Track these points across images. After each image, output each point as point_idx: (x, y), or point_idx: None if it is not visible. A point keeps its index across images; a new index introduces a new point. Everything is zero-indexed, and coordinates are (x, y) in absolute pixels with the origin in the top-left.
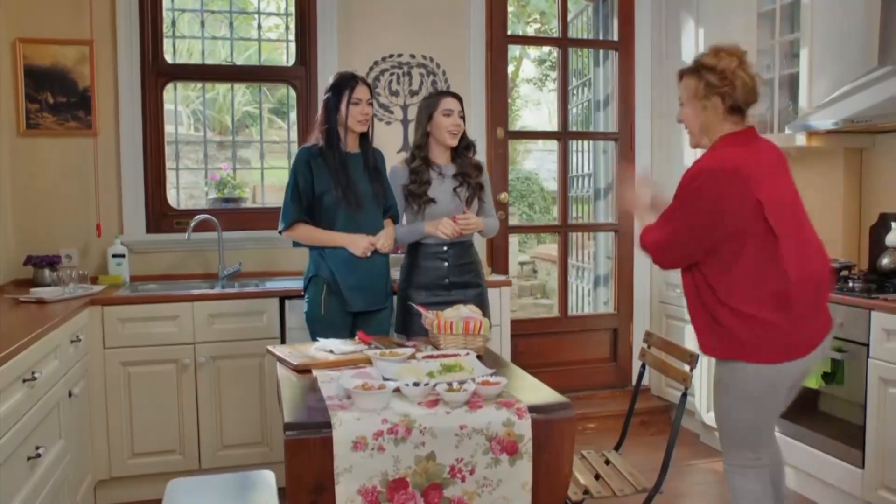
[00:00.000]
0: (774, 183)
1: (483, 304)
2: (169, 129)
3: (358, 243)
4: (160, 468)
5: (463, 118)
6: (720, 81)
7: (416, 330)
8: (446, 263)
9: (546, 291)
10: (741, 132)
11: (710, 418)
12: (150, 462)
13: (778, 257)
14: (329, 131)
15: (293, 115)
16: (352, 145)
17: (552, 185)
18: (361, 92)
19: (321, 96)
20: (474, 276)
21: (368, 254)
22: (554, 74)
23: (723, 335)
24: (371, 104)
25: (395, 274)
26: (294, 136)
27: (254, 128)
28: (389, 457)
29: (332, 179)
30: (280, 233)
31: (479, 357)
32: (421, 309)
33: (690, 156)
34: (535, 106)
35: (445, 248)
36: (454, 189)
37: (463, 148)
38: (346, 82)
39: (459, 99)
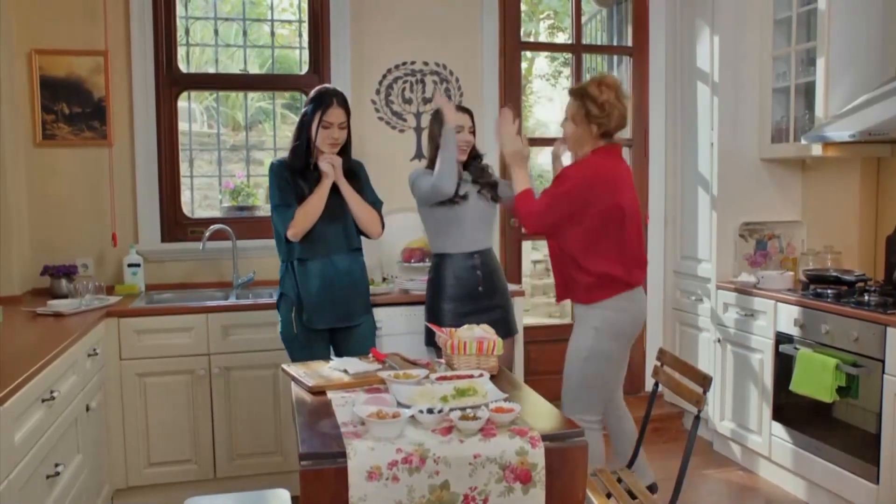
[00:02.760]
0: (632, 195)
1: (509, 313)
2: (183, 126)
3: (329, 173)
4: (176, 477)
5: (473, 132)
6: (599, 112)
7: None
8: (479, 272)
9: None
10: (610, 148)
11: (723, 427)
12: (165, 471)
13: (623, 240)
14: (297, 149)
15: None
16: None
17: None
18: (334, 115)
19: None
20: (501, 282)
21: (333, 166)
22: (567, 71)
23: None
24: (345, 128)
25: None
26: None
27: (267, 123)
28: (404, 486)
29: (296, 196)
30: (286, 238)
31: (492, 377)
32: (435, 328)
33: (706, 162)
34: (548, 102)
35: (475, 255)
36: (478, 192)
37: (476, 158)
38: (320, 101)
39: (470, 113)
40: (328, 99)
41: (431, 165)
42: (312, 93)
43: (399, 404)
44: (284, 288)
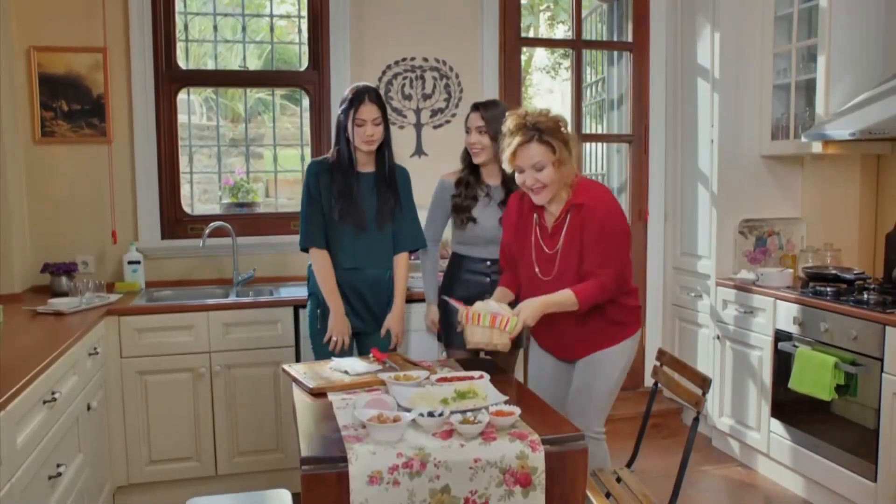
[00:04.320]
0: None
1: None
2: (182, 118)
3: (334, 327)
4: (177, 475)
5: (486, 133)
6: (570, 138)
7: (455, 341)
8: (488, 279)
9: None
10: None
11: (722, 423)
12: (167, 469)
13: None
14: (339, 151)
15: (305, 102)
16: (365, 162)
17: None
18: (367, 111)
19: (334, 101)
20: None
21: (337, 349)
22: (566, 63)
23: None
24: (379, 123)
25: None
26: (306, 128)
27: (266, 115)
28: (405, 490)
29: (333, 199)
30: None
31: (492, 377)
32: (456, 303)
33: (706, 159)
34: (548, 94)
35: (489, 262)
36: (499, 220)
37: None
38: (352, 100)
39: (481, 110)
40: (360, 96)
41: (463, 161)
42: (346, 92)
43: (399, 406)
44: (311, 287)
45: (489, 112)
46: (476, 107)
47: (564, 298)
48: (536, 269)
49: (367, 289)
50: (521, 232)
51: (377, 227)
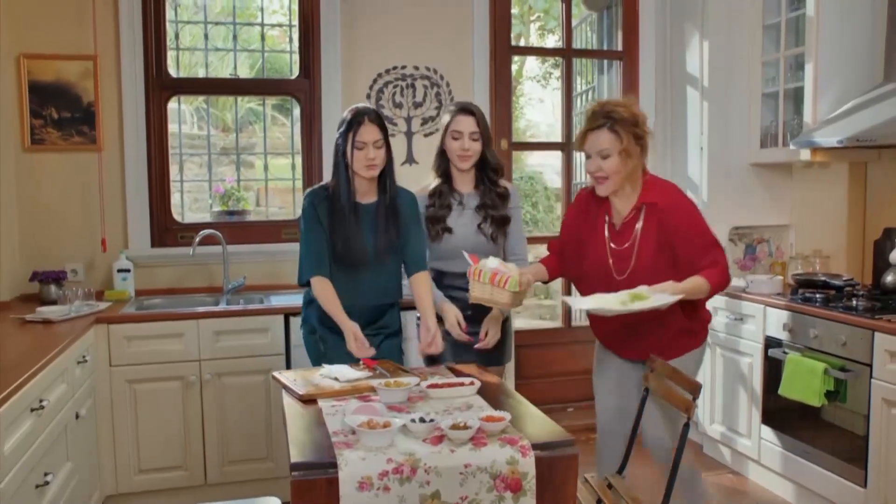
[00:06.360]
0: None
1: (507, 335)
2: (172, 128)
3: (351, 343)
4: (167, 484)
5: (479, 138)
6: (642, 130)
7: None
8: (468, 292)
9: (549, 292)
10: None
11: (713, 430)
12: (156, 478)
13: None
14: (337, 178)
15: (296, 112)
16: (366, 191)
17: (556, 181)
18: (367, 133)
19: (325, 110)
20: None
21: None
22: (557, 73)
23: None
24: (381, 146)
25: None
26: (297, 138)
27: (257, 125)
28: (395, 496)
29: (332, 234)
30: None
31: (483, 377)
32: (469, 257)
33: (695, 167)
34: (539, 103)
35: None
36: (478, 225)
37: (489, 172)
38: (351, 121)
39: (475, 114)
40: (360, 116)
41: (435, 170)
42: (344, 114)
43: (389, 410)
44: (307, 315)
45: (480, 116)
46: (469, 110)
47: (695, 285)
48: (611, 265)
49: (366, 319)
50: (588, 227)
51: (378, 263)
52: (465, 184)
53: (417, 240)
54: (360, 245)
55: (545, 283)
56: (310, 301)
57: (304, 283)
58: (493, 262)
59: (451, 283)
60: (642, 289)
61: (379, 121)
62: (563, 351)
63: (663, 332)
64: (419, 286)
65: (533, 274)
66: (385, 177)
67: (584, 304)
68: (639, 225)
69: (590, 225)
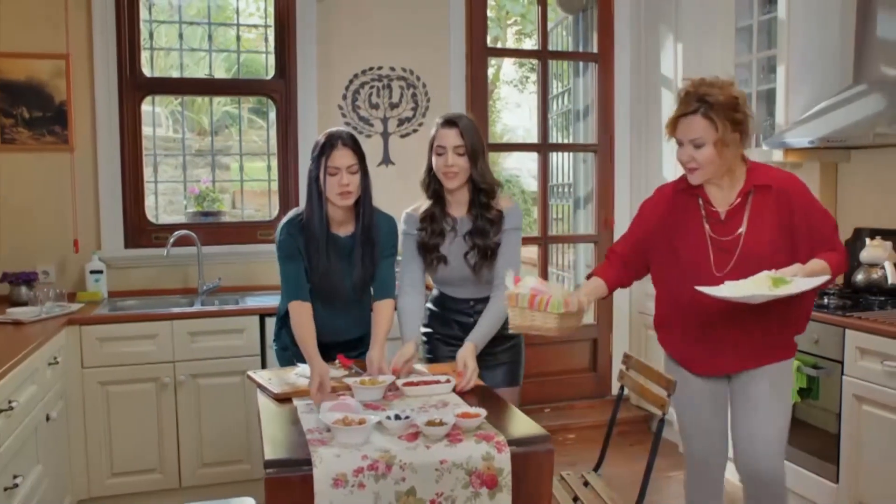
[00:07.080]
0: None
1: (518, 358)
2: (147, 131)
3: (314, 386)
4: (140, 487)
5: (465, 152)
6: (742, 115)
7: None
8: (472, 319)
9: None
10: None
11: None
12: (129, 482)
13: None
14: (311, 207)
15: (272, 115)
16: (342, 220)
17: (533, 184)
18: (340, 158)
19: (301, 110)
20: (503, 328)
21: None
22: (534, 77)
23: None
24: (356, 172)
25: None
26: (273, 140)
27: (233, 128)
28: (370, 493)
29: (309, 263)
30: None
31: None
32: (513, 279)
33: (669, 168)
34: (515, 107)
35: (472, 302)
36: (465, 255)
37: (481, 192)
38: (324, 145)
39: (459, 125)
40: (332, 140)
41: (424, 190)
42: (318, 137)
43: (366, 408)
44: (280, 333)
45: (465, 127)
46: (452, 122)
47: (822, 267)
48: (711, 260)
49: (343, 349)
50: (677, 222)
51: (356, 297)
52: (457, 206)
53: (388, 267)
54: (338, 281)
55: (604, 299)
56: (284, 317)
57: (285, 314)
58: (530, 282)
59: (455, 307)
60: (784, 271)
61: (354, 144)
62: (540, 351)
63: (751, 342)
64: (379, 314)
65: (588, 293)
66: (361, 204)
67: (722, 292)
68: (748, 211)
69: (679, 219)
